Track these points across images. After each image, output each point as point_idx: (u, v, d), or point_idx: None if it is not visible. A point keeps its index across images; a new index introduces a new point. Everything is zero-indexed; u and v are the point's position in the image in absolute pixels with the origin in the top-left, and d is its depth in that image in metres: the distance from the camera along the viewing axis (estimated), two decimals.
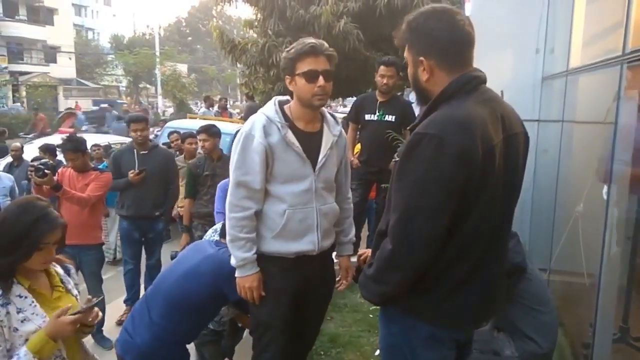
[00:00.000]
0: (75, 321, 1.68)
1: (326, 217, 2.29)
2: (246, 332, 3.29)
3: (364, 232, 5.27)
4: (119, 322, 4.52)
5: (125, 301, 4.68)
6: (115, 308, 4.62)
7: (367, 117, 4.47)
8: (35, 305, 1.72)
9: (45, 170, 3.71)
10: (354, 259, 2.42)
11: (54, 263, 1.87)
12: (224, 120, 10.34)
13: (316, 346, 3.39)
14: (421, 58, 1.54)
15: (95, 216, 4.15)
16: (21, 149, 6.75)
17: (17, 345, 1.67)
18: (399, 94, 5.22)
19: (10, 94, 24.90)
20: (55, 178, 3.84)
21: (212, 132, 4.50)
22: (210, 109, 12.48)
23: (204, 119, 10.29)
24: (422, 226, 1.43)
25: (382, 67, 4.30)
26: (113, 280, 4.79)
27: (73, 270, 1.98)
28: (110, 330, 4.35)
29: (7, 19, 29.46)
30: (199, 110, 15.03)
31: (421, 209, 1.43)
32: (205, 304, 2.46)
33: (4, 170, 5.97)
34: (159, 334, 2.35)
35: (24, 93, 25.30)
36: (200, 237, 4.23)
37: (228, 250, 2.49)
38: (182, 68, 31.47)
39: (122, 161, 4.54)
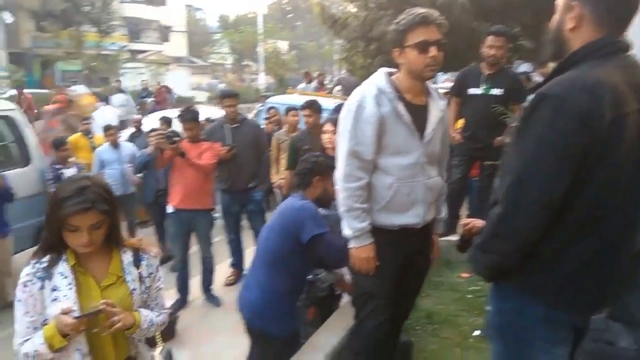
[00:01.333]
0: (69, 325, 1.52)
1: (431, 190, 2.29)
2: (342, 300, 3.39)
3: (463, 212, 5.10)
4: (227, 284, 4.87)
5: (231, 265, 5.01)
6: (223, 270, 4.96)
7: (471, 91, 4.27)
8: (71, 289, 1.61)
9: (175, 138, 4.05)
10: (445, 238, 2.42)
11: (124, 249, 1.75)
12: (322, 95, 10.47)
13: (412, 321, 3.38)
14: (575, 2, 1.42)
15: (209, 183, 4.47)
16: (140, 121, 7.39)
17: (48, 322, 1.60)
18: (507, 66, 4.91)
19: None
20: None
21: (315, 108, 4.62)
22: (309, 84, 12.67)
23: (303, 94, 10.50)
24: (535, 190, 1.36)
25: (490, 37, 4.08)
26: (221, 243, 5.11)
27: (147, 262, 1.79)
28: (218, 290, 4.70)
29: (127, 0, 31.86)
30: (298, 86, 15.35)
31: (536, 172, 1.36)
32: (290, 254, 2.53)
33: (126, 140, 6.56)
34: (266, 289, 2.53)
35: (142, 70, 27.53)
36: None
37: (299, 197, 2.59)
38: (283, 45, 32.17)
39: (215, 136, 4.69)
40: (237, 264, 4.98)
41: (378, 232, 2.23)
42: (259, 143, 4.87)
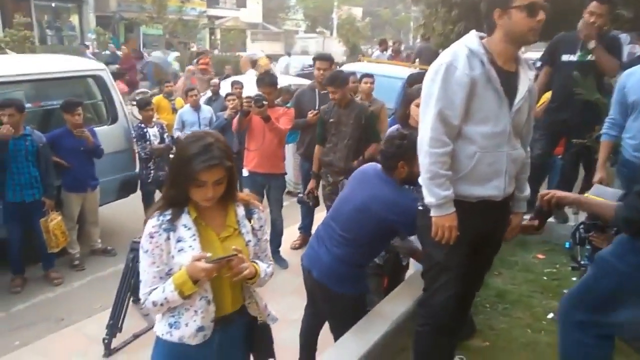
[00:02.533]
0: (205, 269, 1.59)
1: (515, 162, 2.19)
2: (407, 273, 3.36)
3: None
4: (293, 247, 4.97)
5: (299, 229, 5.10)
6: (290, 234, 5.05)
7: (565, 57, 3.97)
8: (195, 239, 1.68)
9: (264, 102, 4.11)
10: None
11: (237, 203, 1.81)
12: (397, 64, 10.21)
13: (481, 298, 3.31)
14: None
15: (282, 148, 4.55)
16: (218, 85, 7.58)
17: (174, 273, 1.68)
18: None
19: (207, 37, 27.79)
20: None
21: (339, 83, 4.15)
22: (384, 52, 12.38)
23: (377, 62, 10.28)
24: None
25: (594, 4, 3.75)
26: (288, 208, 5.18)
27: (258, 215, 1.86)
28: (285, 252, 4.79)
29: None
30: (372, 54, 15.06)
31: None
32: (376, 237, 2.55)
33: (204, 103, 6.76)
34: (338, 256, 2.54)
35: (219, 36, 28.10)
36: (324, 186, 4.38)
37: (396, 189, 2.51)
38: (357, 12, 31.55)
39: (304, 100, 4.71)
40: (305, 228, 5.06)
41: (455, 203, 2.13)
42: None
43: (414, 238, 2.97)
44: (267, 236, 1.92)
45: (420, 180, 2.17)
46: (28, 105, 4.50)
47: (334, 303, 2.63)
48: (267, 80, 4.35)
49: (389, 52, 12.45)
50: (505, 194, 2.18)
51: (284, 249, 4.82)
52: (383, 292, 3.14)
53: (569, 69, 3.92)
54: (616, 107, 3.32)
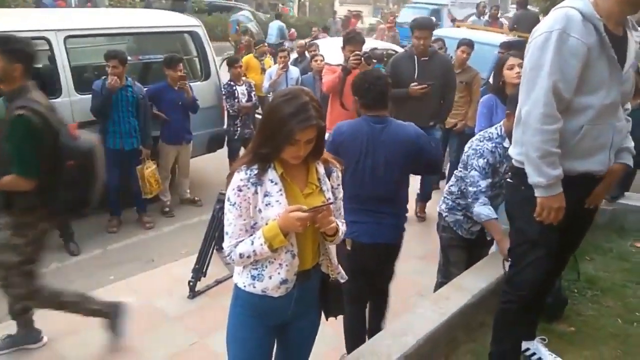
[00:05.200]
0: (302, 219, 1.61)
1: (620, 134, 2.03)
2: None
3: None
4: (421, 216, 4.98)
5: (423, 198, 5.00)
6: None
7: None
8: (282, 195, 1.69)
9: (374, 60, 4.07)
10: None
11: (318, 162, 1.80)
12: (494, 30, 9.60)
13: (569, 282, 3.13)
14: None
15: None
16: (304, 46, 7.58)
17: (259, 226, 1.70)
18: None
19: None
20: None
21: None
22: (481, 17, 11.69)
23: (472, 28, 9.74)
24: None
25: None
26: None
27: (336, 174, 1.86)
28: None
29: None
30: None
31: None
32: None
33: (291, 64, 6.80)
34: (393, 213, 2.60)
35: None
36: None
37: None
38: None
39: (401, 67, 4.40)
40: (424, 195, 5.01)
41: None
42: (448, 80, 4.45)
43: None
44: (342, 195, 1.91)
45: (525, 159, 2.01)
46: (129, 58, 4.74)
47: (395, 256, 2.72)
48: (357, 38, 4.23)
49: (486, 17, 11.74)
50: (608, 168, 2.04)
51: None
52: (464, 265, 3.06)
53: None
54: None
